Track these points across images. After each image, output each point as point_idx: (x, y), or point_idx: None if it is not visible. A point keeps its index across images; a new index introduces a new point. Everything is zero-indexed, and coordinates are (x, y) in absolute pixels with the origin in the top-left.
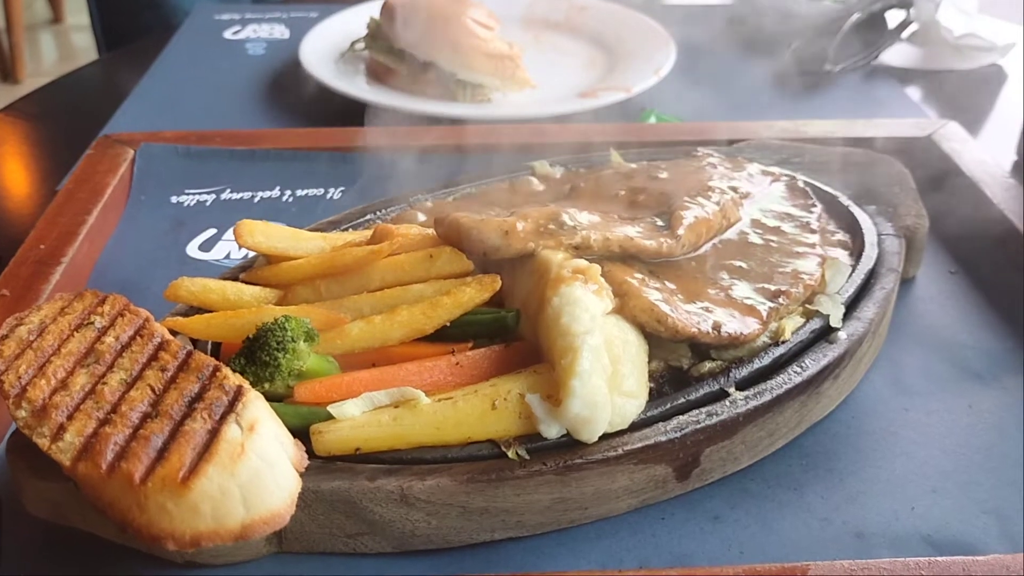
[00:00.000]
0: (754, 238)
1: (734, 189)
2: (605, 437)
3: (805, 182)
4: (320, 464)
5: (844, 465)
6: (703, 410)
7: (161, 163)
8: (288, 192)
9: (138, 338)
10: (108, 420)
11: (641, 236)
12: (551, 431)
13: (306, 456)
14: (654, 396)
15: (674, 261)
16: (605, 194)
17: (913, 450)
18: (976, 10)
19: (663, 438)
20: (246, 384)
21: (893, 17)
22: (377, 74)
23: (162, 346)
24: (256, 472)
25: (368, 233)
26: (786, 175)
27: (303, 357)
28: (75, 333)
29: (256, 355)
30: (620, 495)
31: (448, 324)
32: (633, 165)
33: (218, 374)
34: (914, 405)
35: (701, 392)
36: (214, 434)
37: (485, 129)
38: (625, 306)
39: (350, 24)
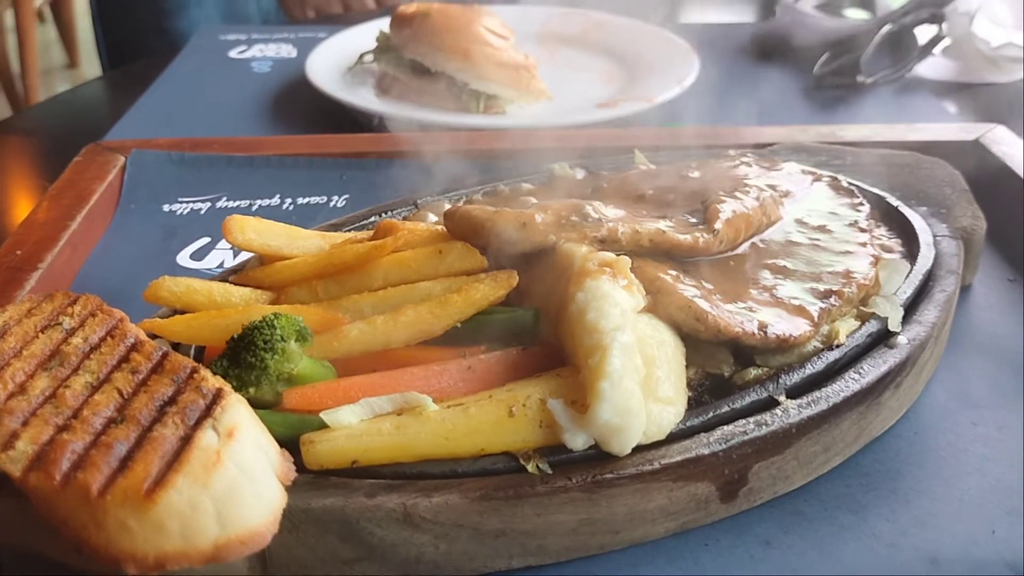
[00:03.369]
0: (798, 237)
1: (772, 187)
2: (639, 449)
3: (849, 182)
4: (311, 479)
5: (910, 484)
6: (751, 420)
7: (153, 170)
8: (288, 200)
9: (109, 339)
10: (68, 426)
11: (674, 230)
12: (577, 441)
13: (294, 468)
14: (692, 406)
15: (710, 260)
16: (630, 194)
17: (987, 468)
18: (1012, 22)
19: (706, 451)
20: (227, 387)
21: (924, 32)
22: (387, 87)
23: (135, 347)
24: (233, 484)
25: (371, 233)
26: (828, 175)
27: (294, 359)
28: (40, 335)
29: (240, 356)
30: (656, 517)
31: (459, 325)
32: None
33: (195, 376)
34: (983, 419)
35: (747, 400)
36: (187, 441)
37: (499, 134)
38: (659, 304)
39: (358, 40)
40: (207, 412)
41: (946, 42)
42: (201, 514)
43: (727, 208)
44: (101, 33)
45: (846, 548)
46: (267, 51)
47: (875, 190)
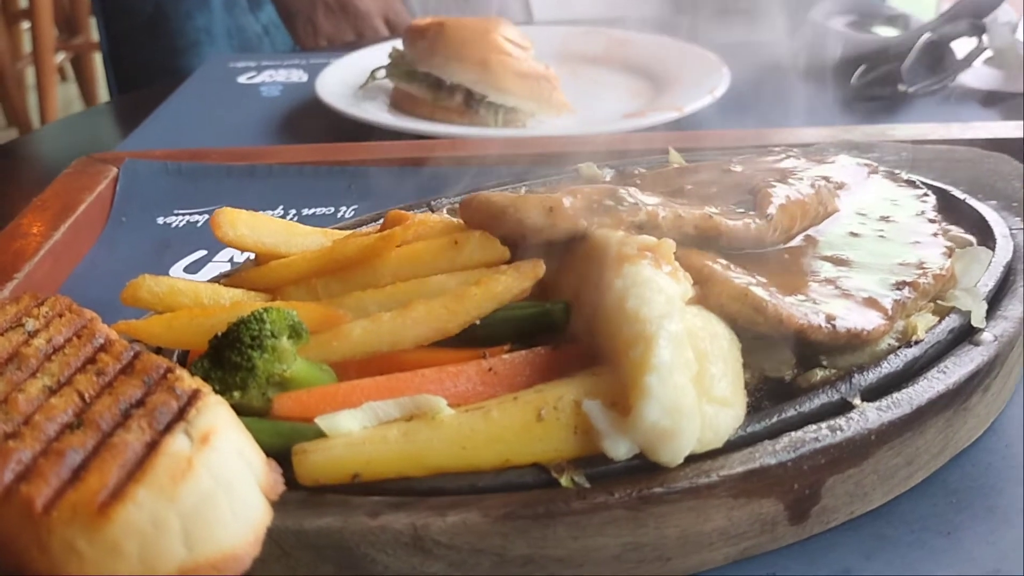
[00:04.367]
0: (860, 229)
1: (826, 179)
2: (692, 459)
3: (908, 176)
4: (304, 496)
5: (1008, 503)
6: (822, 424)
7: (147, 182)
8: (293, 211)
9: (75, 340)
10: (16, 433)
11: (723, 215)
12: (619, 449)
13: (281, 479)
14: (750, 412)
15: (761, 253)
16: (667, 190)
17: None
18: None
19: (772, 461)
20: (206, 387)
21: (964, 44)
22: (401, 104)
23: (103, 348)
24: (206, 497)
25: (377, 228)
26: (884, 168)
27: (286, 359)
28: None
29: (224, 355)
30: (714, 541)
31: (477, 322)
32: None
33: (169, 376)
34: None
35: (817, 403)
36: (153, 447)
37: (518, 140)
38: (709, 294)
39: (370, 60)
40: (180, 415)
41: (988, 53)
42: (165, 533)
43: (780, 193)
44: (112, 74)
45: None
46: (277, 76)
47: (938, 184)
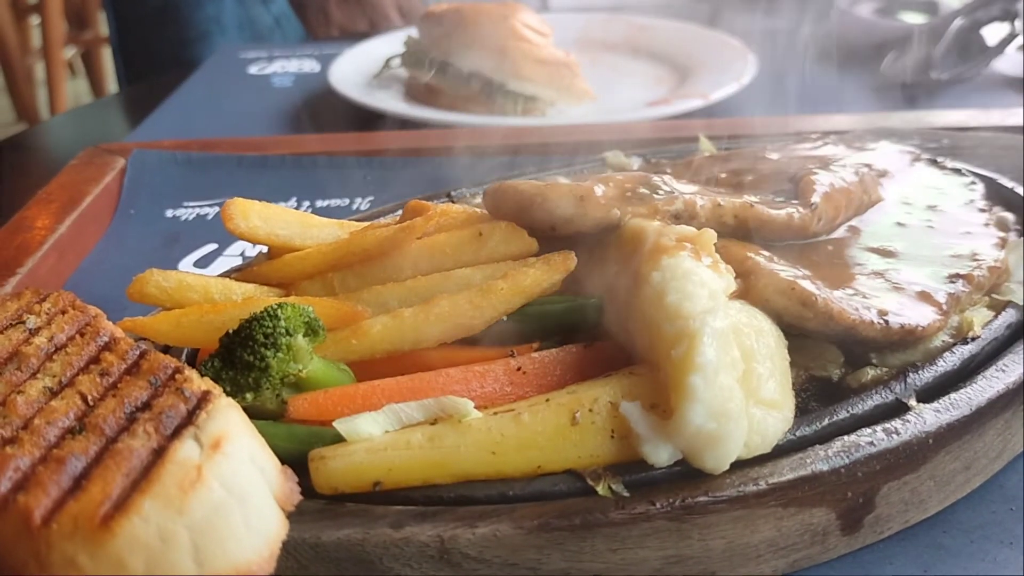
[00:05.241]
0: (906, 219)
1: (868, 167)
2: (738, 466)
3: (953, 163)
4: (323, 506)
5: None
6: (877, 428)
7: (156, 173)
8: (307, 203)
9: (78, 338)
10: (14, 439)
11: (764, 204)
12: (660, 455)
13: (298, 489)
14: (798, 414)
15: (803, 245)
16: (700, 180)
17: None
18: None
19: (824, 467)
20: (216, 389)
21: (996, 30)
22: (416, 93)
23: (108, 347)
24: (218, 509)
25: (396, 219)
26: (928, 156)
27: (302, 358)
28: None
29: (236, 354)
30: (762, 553)
31: (505, 319)
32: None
33: (178, 377)
34: None
35: (870, 404)
36: (160, 454)
37: (539, 129)
38: (752, 288)
39: (384, 49)
40: (189, 419)
41: (1021, 39)
42: (173, 548)
43: (824, 180)
44: (122, 65)
45: None
46: (289, 67)
47: (985, 172)
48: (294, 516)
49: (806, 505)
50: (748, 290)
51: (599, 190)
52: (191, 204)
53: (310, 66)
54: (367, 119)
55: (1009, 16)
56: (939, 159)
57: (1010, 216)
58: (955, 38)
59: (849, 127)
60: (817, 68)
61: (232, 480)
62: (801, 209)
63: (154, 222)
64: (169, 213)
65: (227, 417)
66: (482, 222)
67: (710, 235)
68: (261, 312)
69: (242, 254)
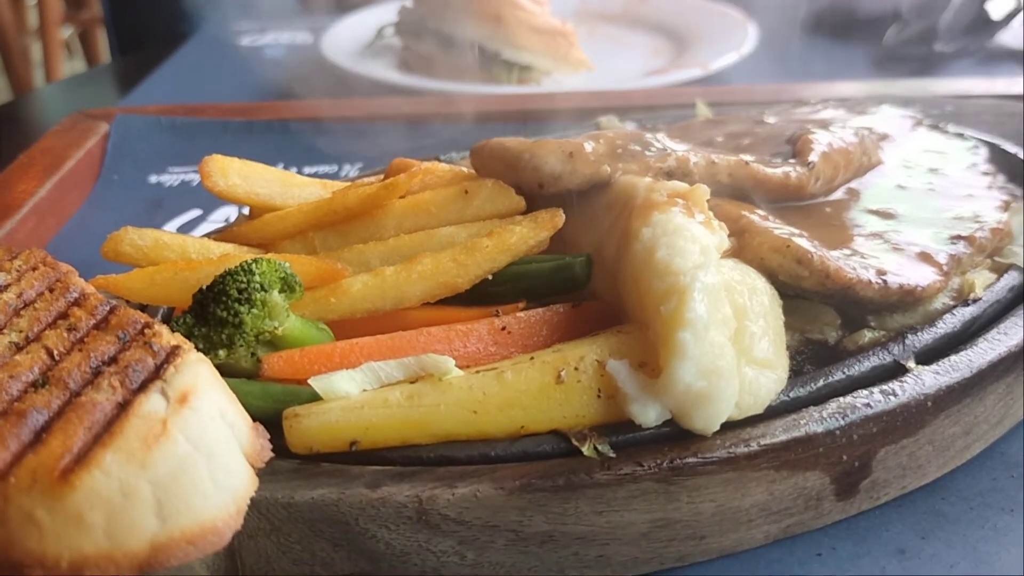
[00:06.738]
0: (907, 182)
1: (869, 130)
2: (729, 426)
3: (955, 128)
4: (296, 465)
5: None
6: (874, 389)
7: (140, 138)
8: (294, 169)
9: (47, 294)
10: None
11: (759, 163)
12: (648, 415)
13: (269, 446)
14: (793, 376)
15: (800, 206)
16: (696, 142)
17: None
18: None
19: (818, 428)
20: (186, 344)
21: (1000, 3)
22: (410, 63)
23: (78, 302)
24: (183, 463)
25: (379, 178)
26: (930, 121)
27: (277, 315)
28: None
29: (209, 310)
30: (754, 517)
31: (490, 277)
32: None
33: (147, 332)
34: None
35: (867, 365)
36: (124, 408)
37: (533, 96)
38: (747, 246)
39: (377, 19)
40: (156, 373)
41: None
42: (135, 503)
43: (822, 140)
44: (115, 37)
45: (1006, 557)
46: (280, 38)
47: (986, 138)
48: (267, 475)
49: (799, 468)
50: (742, 248)
51: (589, 146)
52: (175, 170)
53: (302, 37)
54: (360, 89)
55: None
56: (941, 124)
57: (1010, 185)
58: (960, 10)
59: (851, 95)
60: (819, 40)
61: (199, 435)
62: (798, 168)
63: (137, 188)
64: (153, 179)
65: (196, 372)
66: (468, 180)
67: (703, 190)
68: (235, 267)
69: (226, 220)
